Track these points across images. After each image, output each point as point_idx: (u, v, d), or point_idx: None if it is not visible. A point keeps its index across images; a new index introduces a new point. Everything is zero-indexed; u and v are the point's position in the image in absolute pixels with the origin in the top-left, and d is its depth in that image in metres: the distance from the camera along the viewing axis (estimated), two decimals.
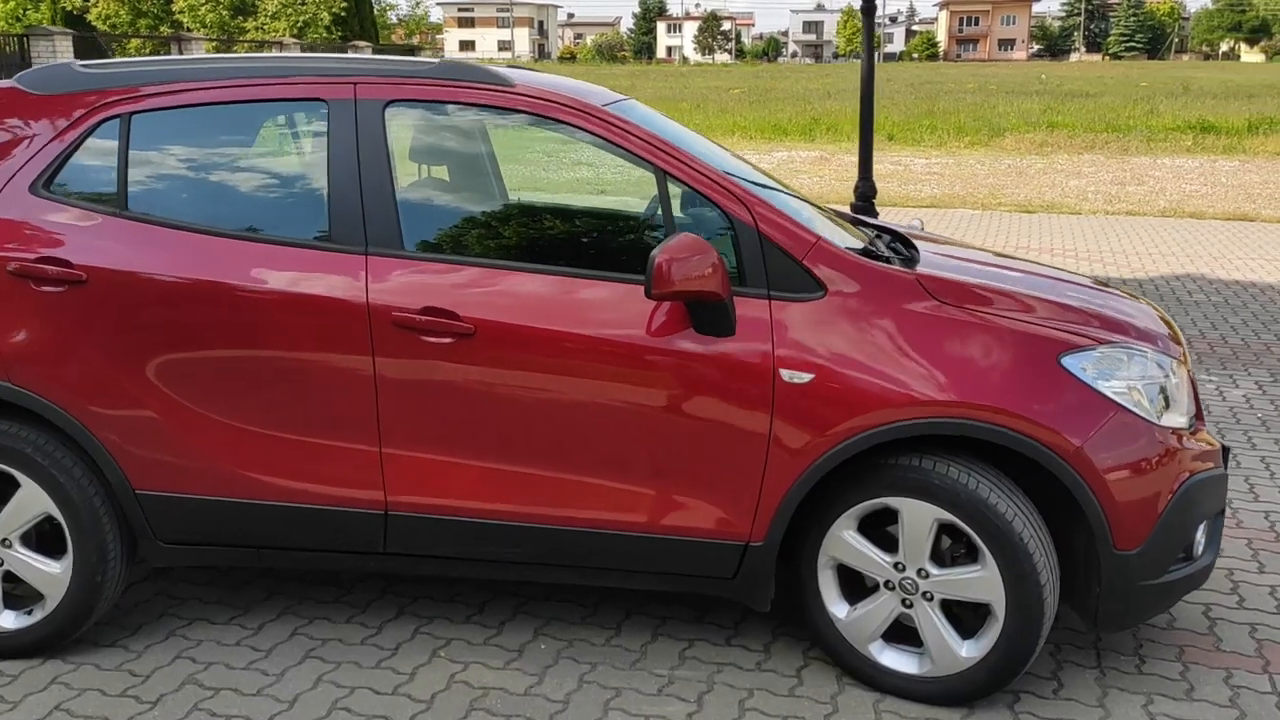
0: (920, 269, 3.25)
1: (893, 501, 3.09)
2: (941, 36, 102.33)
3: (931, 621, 3.13)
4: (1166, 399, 3.15)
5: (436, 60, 3.41)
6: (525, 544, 3.25)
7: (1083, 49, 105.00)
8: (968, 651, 3.11)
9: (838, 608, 3.26)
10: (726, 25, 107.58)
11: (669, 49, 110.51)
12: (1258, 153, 21.85)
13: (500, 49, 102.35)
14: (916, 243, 3.70)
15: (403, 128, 3.41)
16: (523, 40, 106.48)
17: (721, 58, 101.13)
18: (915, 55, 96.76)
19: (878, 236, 3.76)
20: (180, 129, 3.37)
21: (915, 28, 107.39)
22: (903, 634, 3.24)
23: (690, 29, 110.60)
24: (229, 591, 3.84)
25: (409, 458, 3.21)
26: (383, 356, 3.14)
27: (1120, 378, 3.08)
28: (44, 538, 3.37)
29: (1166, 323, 3.52)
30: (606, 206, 3.89)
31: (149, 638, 3.53)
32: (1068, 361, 3.05)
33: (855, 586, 3.27)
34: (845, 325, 3.07)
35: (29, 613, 3.39)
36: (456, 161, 3.91)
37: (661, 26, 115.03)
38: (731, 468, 3.10)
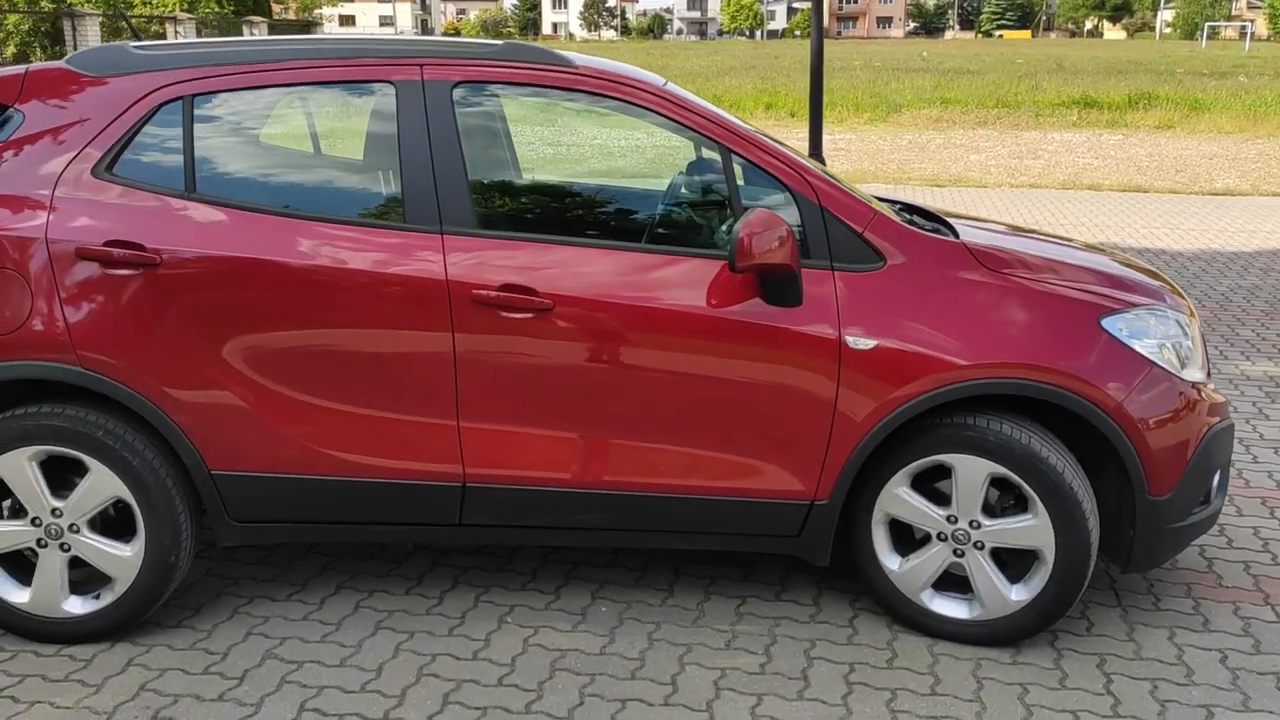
0: (964, 239, 3.47)
1: (947, 458, 3.31)
2: (827, 14, 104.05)
3: (983, 569, 3.36)
4: (1187, 355, 3.43)
5: (500, 42, 3.49)
6: (600, 511, 3.38)
7: (957, 26, 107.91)
8: (1017, 595, 3.35)
9: (890, 560, 3.47)
10: (612, 1, 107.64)
11: (555, 25, 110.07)
12: (1138, 126, 22.89)
13: (381, 24, 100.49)
14: (937, 215, 3.92)
15: (470, 108, 3.47)
16: (405, 15, 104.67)
17: (608, 35, 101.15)
18: (798, 33, 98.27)
19: (900, 209, 3.97)
20: (244, 111, 3.39)
21: (796, 5, 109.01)
22: (949, 582, 3.47)
23: (576, 5, 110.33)
24: (280, 569, 3.88)
25: (486, 430, 3.30)
26: (462, 332, 3.23)
27: (1151, 337, 3.34)
28: (108, 521, 3.37)
29: (1166, 282, 3.80)
30: (682, 184, 4.00)
31: (213, 616, 3.57)
32: (1106, 323, 3.31)
33: (903, 539, 3.49)
34: (904, 293, 3.27)
35: (96, 597, 3.39)
36: (521, 141, 3.98)
37: (547, 2, 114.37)
38: (800, 431, 3.28)
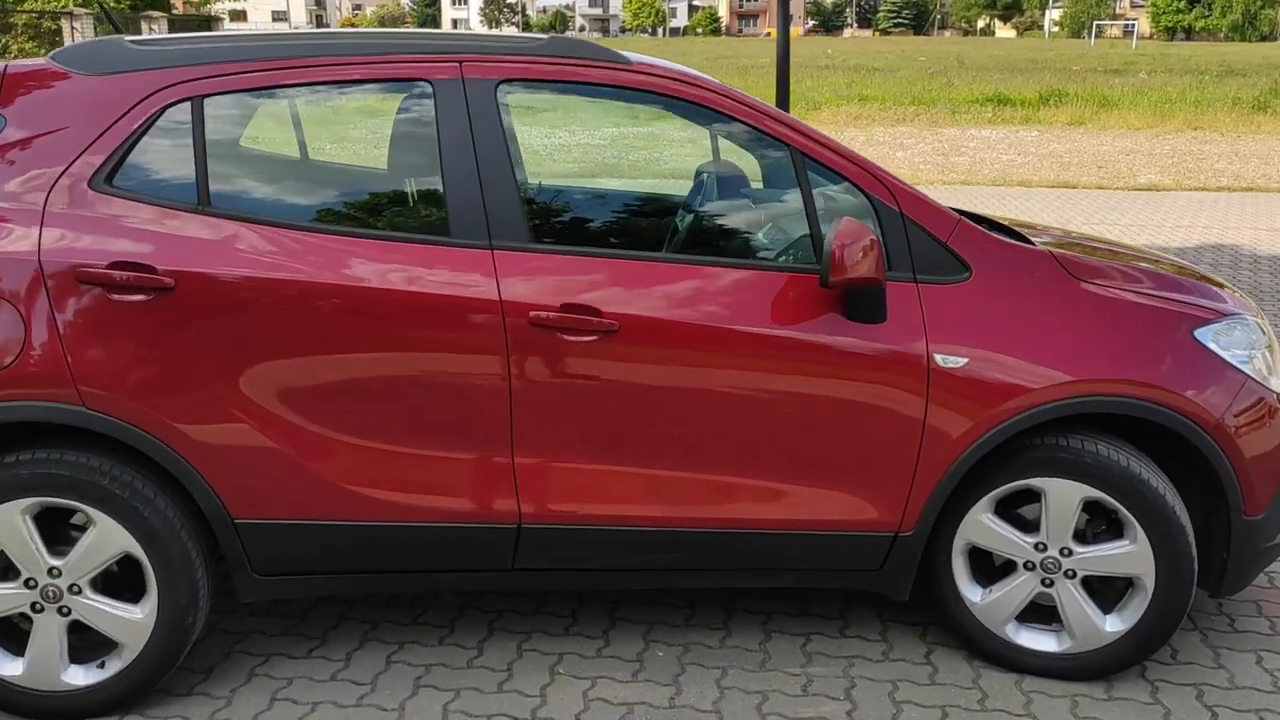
0: (1049, 247, 3.25)
1: (1037, 482, 3.09)
2: (723, 12, 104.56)
3: (1074, 599, 3.15)
4: (1272, 364, 3.27)
5: (545, 37, 3.17)
6: (669, 550, 3.09)
7: (854, 24, 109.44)
8: (1111, 625, 3.16)
9: (971, 591, 3.24)
10: None
11: (454, 21, 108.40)
12: (1051, 123, 23.30)
13: (275, 19, 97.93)
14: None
15: (517, 109, 3.15)
16: (298, 9, 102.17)
17: (509, 31, 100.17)
18: (699, 30, 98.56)
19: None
20: (261, 114, 3.02)
21: (697, 3, 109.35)
22: (1032, 613, 3.25)
23: (476, 1, 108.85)
24: (294, 620, 3.50)
25: (544, 466, 2.99)
26: (518, 358, 2.91)
27: (1241, 347, 3.17)
28: (110, 579, 2.97)
29: (1228, 287, 3.65)
30: (746, 193, 3.71)
31: (228, 680, 3.18)
32: (1199, 334, 3.12)
33: (981, 569, 3.27)
34: (995, 305, 3.04)
35: (101, 665, 2.98)
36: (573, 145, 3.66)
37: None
38: (885, 458, 3.03)
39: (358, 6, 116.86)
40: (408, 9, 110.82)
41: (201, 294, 2.82)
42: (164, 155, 2.92)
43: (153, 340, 2.82)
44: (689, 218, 3.56)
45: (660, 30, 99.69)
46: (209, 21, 27.93)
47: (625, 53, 3.18)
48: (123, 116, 2.88)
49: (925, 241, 3.04)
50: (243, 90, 2.96)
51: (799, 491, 3.06)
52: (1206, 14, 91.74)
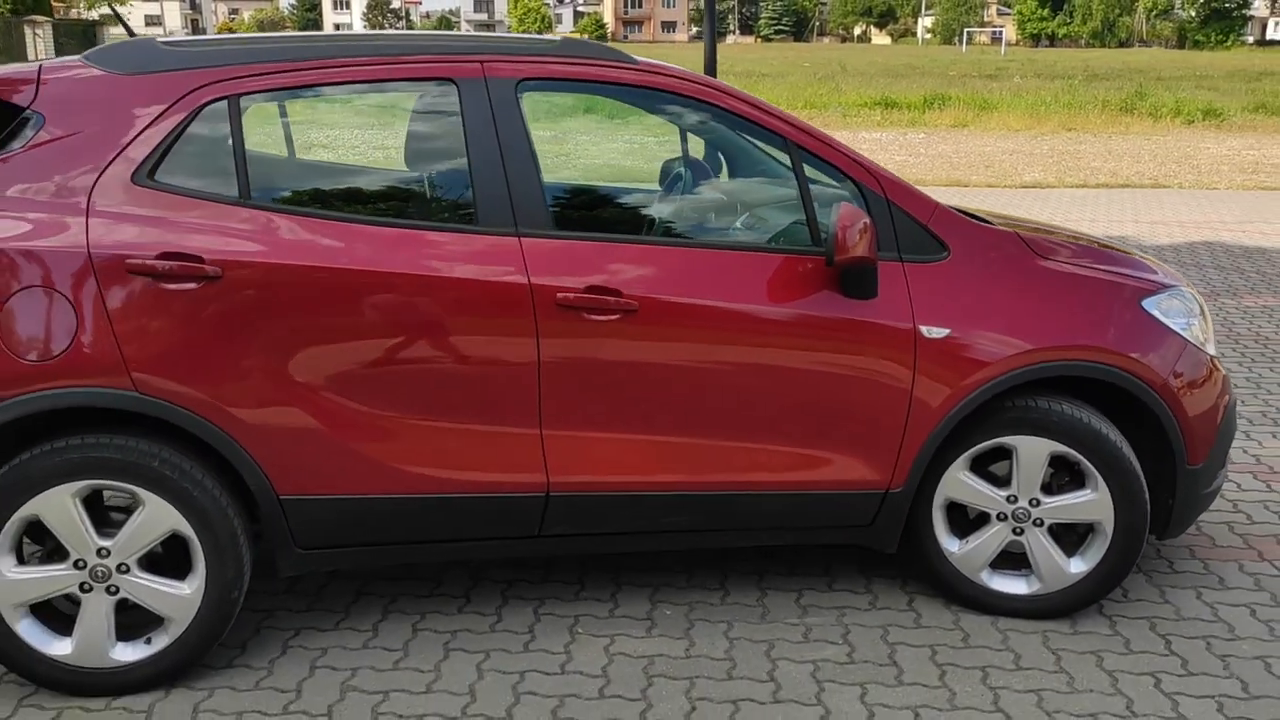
0: (1011, 228, 3.60)
1: (1009, 440, 3.43)
2: (608, 18, 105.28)
3: (1042, 545, 3.50)
4: (1206, 332, 3.67)
5: (558, 38, 3.39)
6: (684, 513, 3.34)
7: (737, 31, 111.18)
8: (1075, 567, 3.51)
9: (950, 543, 3.57)
10: (397, 3, 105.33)
11: (337, 26, 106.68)
12: (936, 125, 24.25)
13: (148, 23, 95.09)
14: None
15: (534, 107, 3.36)
16: (173, 14, 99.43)
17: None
18: (585, 36, 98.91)
19: None
20: (295, 112, 3.17)
21: (582, 9, 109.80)
22: (1003, 560, 3.59)
23: (359, 6, 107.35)
24: (312, 597, 3.65)
25: (570, 437, 3.21)
26: (546, 337, 3.13)
27: (1180, 315, 3.56)
28: (153, 557, 3.10)
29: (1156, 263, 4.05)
30: (741, 182, 3.99)
31: (264, 652, 3.32)
32: (1146, 304, 3.50)
33: (956, 522, 3.59)
34: (970, 281, 3.37)
35: (147, 641, 3.11)
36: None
37: (327, 3, 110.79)
38: (878, 422, 3.33)
39: (234, 11, 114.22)
40: (287, 14, 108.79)
41: (247, 281, 2.98)
42: (203, 151, 3.06)
43: (201, 326, 2.97)
44: (699, 204, 3.82)
45: (546, 36, 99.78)
46: (94, 27, 27.19)
47: (630, 53, 3.43)
48: (162, 114, 3.02)
49: (908, 224, 3.36)
50: (277, 89, 3.12)
51: (800, 455, 3.34)
52: (1068, 21, 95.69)
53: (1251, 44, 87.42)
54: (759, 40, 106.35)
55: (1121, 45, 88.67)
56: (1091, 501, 3.45)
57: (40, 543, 3.10)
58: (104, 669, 3.06)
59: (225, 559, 3.06)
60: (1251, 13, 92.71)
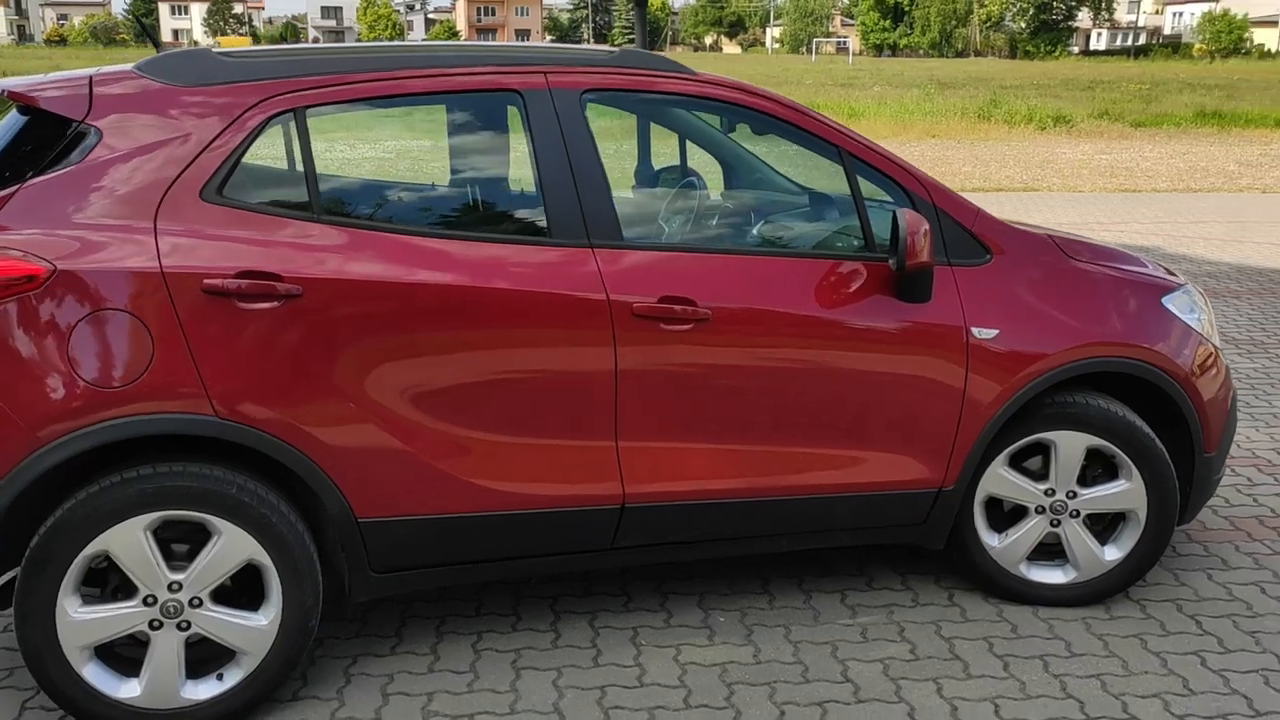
0: (1048, 232, 3.74)
1: (1049, 435, 3.57)
2: (461, 26, 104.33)
3: (1079, 535, 3.65)
4: (1213, 327, 3.89)
5: (616, 49, 3.38)
6: (753, 519, 3.37)
7: (591, 40, 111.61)
8: (1110, 555, 3.67)
9: (989, 537, 3.68)
10: (239, 8, 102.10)
11: (175, 32, 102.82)
12: None
13: None
14: None
15: (598, 117, 3.34)
16: None
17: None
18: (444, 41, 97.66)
19: None
20: (361, 124, 3.08)
21: (433, 16, 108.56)
22: (1039, 551, 3.73)
23: (199, 11, 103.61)
24: (359, 623, 3.54)
25: (645, 448, 3.20)
26: (624, 348, 3.11)
27: (1192, 310, 3.77)
28: (222, 590, 2.96)
29: None
30: (804, 188, 4.01)
31: (328, 683, 3.21)
32: (1165, 301, 3.69)
33: (995, 517, 3.72)
34: (1014, 283, 3.49)
35: (219, 677, 2.97)
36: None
37: (165, 7, 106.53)
38: (934, 422, 3.42)
39: (64, 16, 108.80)
40: (120, 18, 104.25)
41: (327, 299, 2.88)
42: (271, 165, 2.95)
43: (280, 347, 2.86)
44: (763, 212, 3.86)
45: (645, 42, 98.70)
46: None
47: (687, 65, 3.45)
48: (227, 128, 2.89)
49: (955, 229, 3.46)
50: (342, 101, 3.02)
51: (862, 457, 3.40)
52: (909, 32, 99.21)
53: (1077, 54, 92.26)
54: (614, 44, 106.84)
55: (959, 55, 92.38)
56: (1126, 491, 3.61)
57: (96, 583, 2.92)
58: (174, 710, 2.92)
59: (304, 586, 2.95)
60: (1076, 24, 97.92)
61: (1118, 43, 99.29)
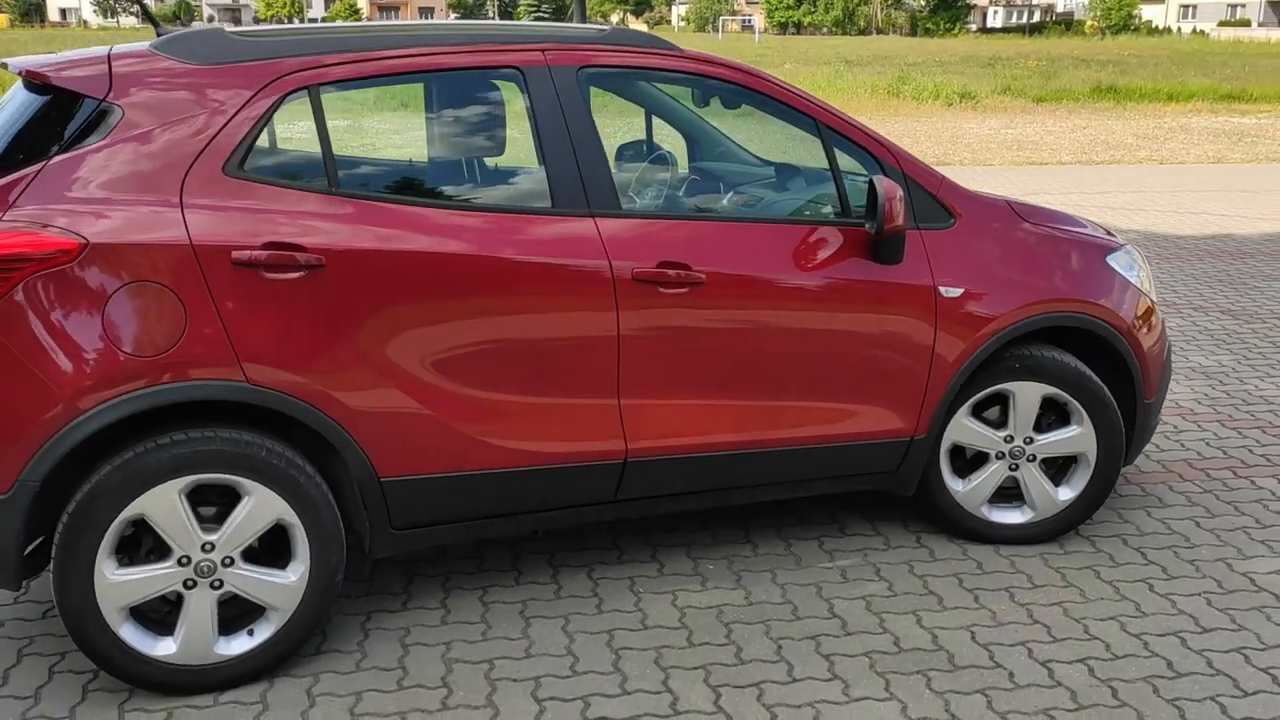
0: (1003, 198, 4.01)
1: (1008, 386, 3.86)
2: (363, 3, 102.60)
3: (1035, 478, 3.95)
4: (1148, 283, 4.22)
5: (607, 27, 3.54)
6: (745, 470, 3.59)
7: (496, 17, 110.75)
8: (1063, 495, 3.98)
9: (954, 483, 3.97)
10: None
11: (64, 11, 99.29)
12: (727, 111, 25.11)
13: None
14: None
15: (594, 93, 3.50)
16: None
17: (128, 21, 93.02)
18: (342, 20, 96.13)
19: None
20: (373, 101, 3.21)
21: None
22: (997, 494, 4.02)
23: None
24: (367, 582, 3.69)
25: (645, 405, 3.40)
26: (626, 311, 3.30)
27: (1132, 269, 4.08)
28: (250, 549, 3.09)
29: None
30: (788, 161, 4.21)
31: (347, 636, 3.36)
32: (1109, 260, 4.00)
33: (959, 464, 4.00)
34: (975, 245, 3.76)
35: (250, 633, 3.10)
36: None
37: None
38: (907, 375, 3.68)
39: None
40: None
41: (347, 269, 3.01)
42: (288, 141, 3.07)
43: (307, 315, 2.99)
44: (745, 181, 4.07)
45: (297, 20, 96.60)
46: None
47: (672, 41, 3.64)
48: (246, 105, 3.01)
49: (922, 195, 3.71)
50: (353, 78, 3.15)
51: (843, 410, 3.65)
52: (813, 10, 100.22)
53: (975, 31, 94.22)
54: (521, 15, 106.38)
55: (861, 33, 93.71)
56: (1078, 436, 3.92)
57: (123, 549, 3.02)
58: (208, 665, 3.04)
59: (330, 544, 3.09)
60: (974, 2, 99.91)
61: (1014, 20, 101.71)
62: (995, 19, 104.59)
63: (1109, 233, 4.25)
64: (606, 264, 3.27)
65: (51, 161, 2.86)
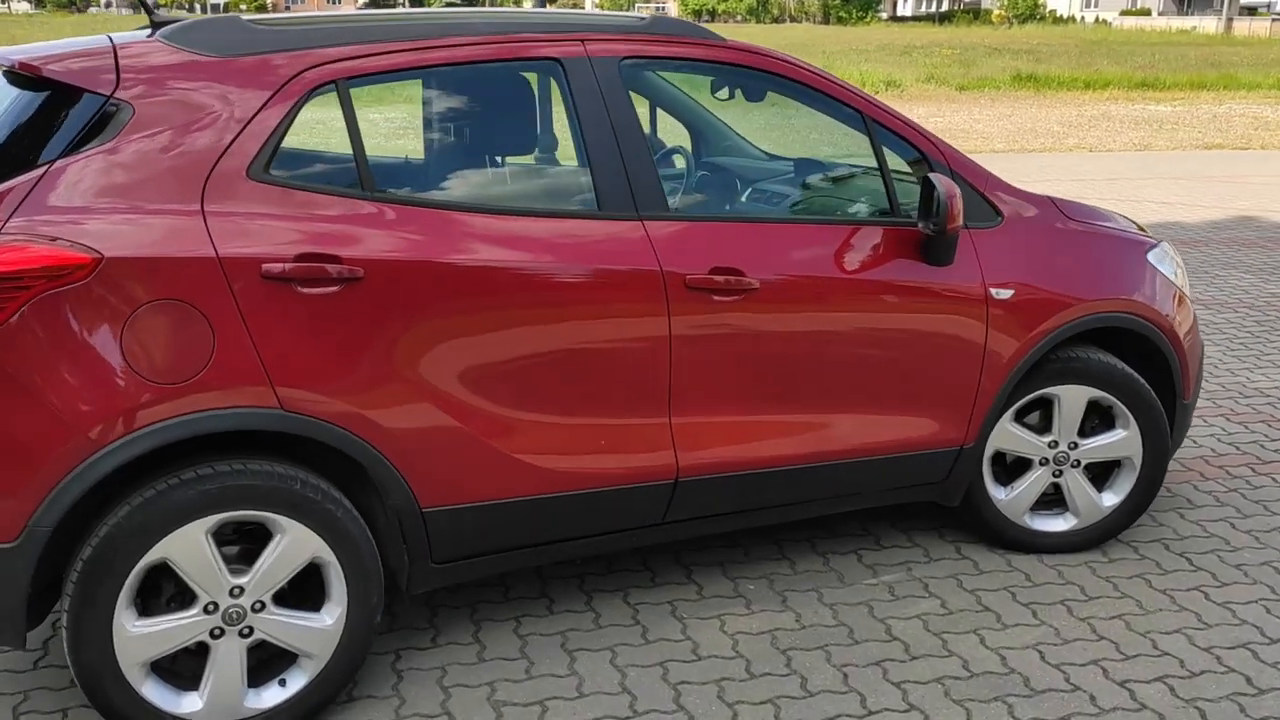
0: (1047, 195, 3.85)
1: (1052, 390, 3.71)
2: None
3: (1079, 484, 3.81)
4: (1185, 280, 4.11)
5: (646, 16, 3.30)
6: (794, 486, 3.38)
7: (406, 5, 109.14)
8: (1108, 501, 3.85)
9: (997, 491, 3.81)
10: None
11: None
12: None
13: None
14: None
15: (637, 85, 3.25)
16: None
17: (20, 7, 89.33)
18: (244, 7, 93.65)
19: None
20: (406, 95, 2.93)
21: None
22: (1039, 502, 3.88)
23: None
24: (388, 617, 3.40)
25: (697, 421, 3.17)
26: (678, 319, 3.07)
27: (1170, 265, 3.97)
28: (280, 592, 2.80)
29: None
30: (835, 158, 3.98)
31: (379, 682, 3.08)
32: (1150, 257, 3.88)
33: (998, 470, 3.85)
34: (1023, 244, 3.60)
35: (282, 683, 2.81)
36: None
37: None
38: (959, 382, 3.51)
39: None
40: None
41: (389, 281, 2.73)
42: (317, 140, 2.77)
43: (342, 334, 2.70)
44: (805, 180, 3.84)
45: (200, 7, 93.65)
46: None
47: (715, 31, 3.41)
48: (269, 101, 2.70)
49: (970, 193, 3.54)
50: (383, 71, 2.86)
51: (897, 420, 3.46)
52: None
53: (886, 19, 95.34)
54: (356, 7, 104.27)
55: (775, 21, 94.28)
56: (1124, 439, 3.79)
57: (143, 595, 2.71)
58: None
59: (370, 582, 2.82)
60: None
61: (923, 9, 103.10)
62: (905, 7, 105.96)
63: (1140, 228, 4.13)
64: (658, 271, 3.03)
65: (54, 166, 2.53)
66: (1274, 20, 63.91)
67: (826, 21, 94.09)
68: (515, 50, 3.03)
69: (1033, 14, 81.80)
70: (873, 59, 36.41)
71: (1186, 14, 75.01)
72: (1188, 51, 38.79)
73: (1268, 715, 2.98)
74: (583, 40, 3.09)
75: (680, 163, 4.12)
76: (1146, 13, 78.24)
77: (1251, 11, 72.76)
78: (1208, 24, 62.58)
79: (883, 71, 29.11)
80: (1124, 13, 78.03)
